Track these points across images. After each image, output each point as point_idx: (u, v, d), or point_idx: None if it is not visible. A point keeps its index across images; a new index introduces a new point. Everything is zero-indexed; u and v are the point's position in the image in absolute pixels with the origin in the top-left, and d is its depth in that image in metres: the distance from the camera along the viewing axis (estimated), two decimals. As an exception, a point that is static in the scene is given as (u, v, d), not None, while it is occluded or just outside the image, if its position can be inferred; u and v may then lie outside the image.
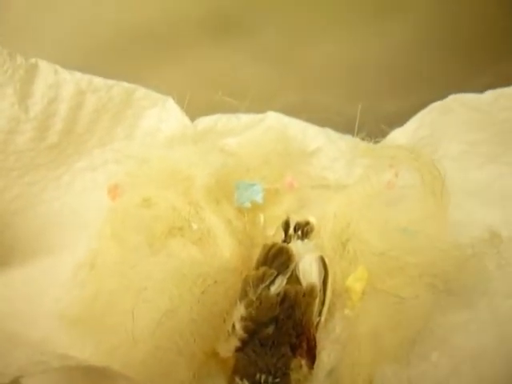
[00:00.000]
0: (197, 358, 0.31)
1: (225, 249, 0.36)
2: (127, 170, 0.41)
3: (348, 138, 0.45)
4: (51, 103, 0.40)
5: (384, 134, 0.44)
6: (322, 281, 0.36)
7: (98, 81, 0.41)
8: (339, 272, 0.37)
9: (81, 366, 0.25)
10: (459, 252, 0.35)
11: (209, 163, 0.39)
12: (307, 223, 0.39)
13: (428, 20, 0.44)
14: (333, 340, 0.35)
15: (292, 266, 0.36)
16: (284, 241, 0.39)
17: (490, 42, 0.44)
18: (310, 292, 0.35)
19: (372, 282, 0.35)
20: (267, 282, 0.34)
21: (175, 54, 0.46)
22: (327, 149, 0.44)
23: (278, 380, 0.31)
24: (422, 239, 0.35)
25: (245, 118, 0.45)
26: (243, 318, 0.33)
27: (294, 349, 0.32)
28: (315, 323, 0.34)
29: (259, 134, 0.44)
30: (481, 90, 0.43)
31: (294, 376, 0.32)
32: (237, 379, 0.31)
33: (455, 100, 0.43)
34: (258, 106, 0.45)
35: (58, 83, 0.40)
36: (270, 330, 0.32)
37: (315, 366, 0.33)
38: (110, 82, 0.42)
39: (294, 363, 0.32)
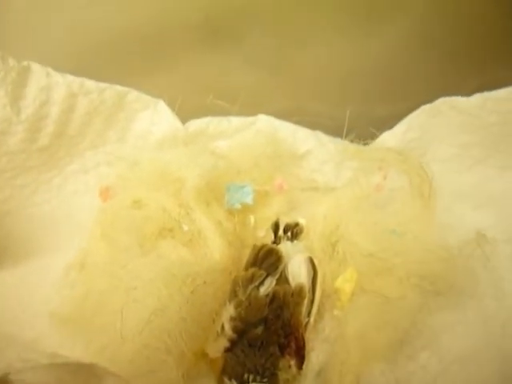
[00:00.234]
0: (186, 358, 0.31)
1: (215, 250, 0.36)
2: (119, 172, 0.41)
3: (337, 140, 0.45)
4: (43, 105, 0.40)
5: (373, 137, 0.45)
6: (311, 281, 0.36)
7: (89, 84, 0.42)
8: (328, 273, 0.37)
9: (69, 364, 0.25)
10: (447, 253, 0.35)
11: (199, 165, 0.39)
12: (296, 225, 0.40)
13: (417, 25, 0.44)
14: (322, 340, 0.35)
15: (281, 267, 0.36)
16: (274, 242, 0.39)
17: (477, 46, 0.45)
18: (299, 292, 0.35)
19: (361, 283, 0.36)
20: (256, 283, 0.34)
21: (167, 58, 0.46)
22: (317, 151, 0.45)
23: (266, 380, 0.31)
24: (409, 241, 0.36)
25: (236, 121, 0.45)
26: (232, 319, 0.33)
27: (283, 348, 0.33)
28: (304, 323, 0.35)
29: (250, 136, 0.44)
30: (469, 93, 0.43)
31: (282, 376, 0.32)
32: (225, 379, 0.32)
33: (444, 103, 0.43)
34: (249, 109, 0.45)
35: (50, 86, 0.40)
36: (259, 330, 0.33)
37: (304, 366, 0.33)
38: (102, 84, 0.42)
39: (282, 363, 0.32)
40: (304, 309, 0.35)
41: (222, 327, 0.33)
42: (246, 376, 0.31)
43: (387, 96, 0.48)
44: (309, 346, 0.34)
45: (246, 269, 0.36)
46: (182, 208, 0.38)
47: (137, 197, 0.39)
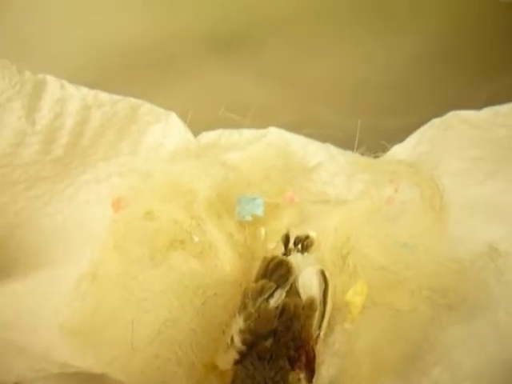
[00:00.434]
0: (196, 369, 0.31)
1: (225, 262, 0.36)
2: (131, 184, 0.42)
3: (348, 153, 0.45)
4: (57, 117, 0.41)
5: (384, 150, 0.45)
6: (322, 294, 0.36)
7: (103, 96, 0.42)
8: (339, 286, 0.37)
9: (80, 374, 0.25)
10: (458, 266, 0.35)
11: (211, 177, 0.39)
12: (307, 237, 0.40)
13: (428, 38, 0.44)
14: (332, 354, 0.35)
15: (291, 279, 0.36)
16: (284, 254, 0.39)
17: (487, 58, 0.45)
18: (310, 305, 0.35)
19: (372, 296, 0.36)
20: (266, 295, 0.34)
21: (179, 70, 0.47)
22: (328, 164, 0.45)
23: (275, 393, 0.31)
24: (421, 253, 0.36)
25: (247, 134, 0.46)
26: (241, 331, 0.33)
27: (293, 362, 0.33)
28: (315, 336, 0.34)
29: (261, 149, 0.45)
30: (479, 105, 0.43)
31: (292, 389, 0.32)
32: (235, 392, 0.31)
33: (455, 116, 0.43)
34: (260, 121, 0.45)
35: (65, 98, 0.41)
36: (269, 343, 0.32)
37: (314, 379, 0.33)
38: (116, 97, 0.43)
39: (292, 377, 0.32)
40: (315, 322, 0.35)
41: (232, 339, 0.33)
42: (255, 389, 0.31)
43: (398, 109, 0.48)
44: (319, 359, 0.34)
45: (256, 281, 0.36)
46: (194, 220, 0.38)
47: (148, 208, 0.39)
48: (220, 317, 0.33)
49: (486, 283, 0.36)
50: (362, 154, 0.44)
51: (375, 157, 0.43)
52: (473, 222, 0.41)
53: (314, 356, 0.33)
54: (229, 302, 0.34)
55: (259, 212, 0.40)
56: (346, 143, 0.45)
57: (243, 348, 0.32)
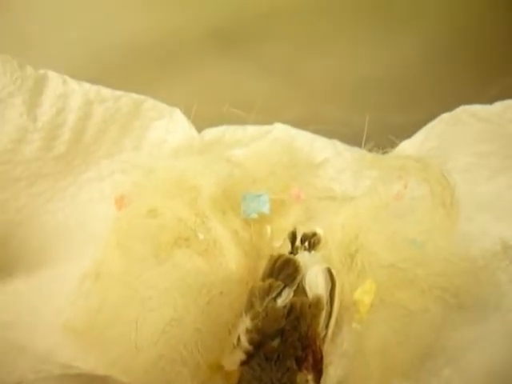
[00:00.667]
0: (201, 370, 0.30)
1: (231, 260, 0.36)
2: (134, 181, 0.41)
3: (355, 149, 0.44)
4: (59, 113, 0.40)
5: (392, 146, 0.44)
6: (329, 293, 0.35)
7: (106, 91, 0.41)
8: (347, 284, 0.36)
9: (82, 375, 0.24)
10: (470, 264, 0.34)
11: (215, 173, 0.38)
12: (314, 235, 0.39)
13: (436, 32, 0.44)
14: (340, 354, 0.34)
15: (299, 278, 0.35)
16: (291, 252, 0.38)
17: (497, 53, 0.44)
18: (317, 304, 0.34)
19: (380, 295, 0.35)
20: (274, 294, 0.34)
21: (183, 66, 0.46)
22: (334, 160, 0.44)
23: (282, 395, 0.30)
24: (431, 251, 0.35)
25: (251, 130, 0.45)
26: (248, 331, 0.32)
27: (300, 362, 0.32)
28: (322, 336, 0.34)
29: (266, 145, 0.44)
30: (489, 101, 0.42)
31: (299, 391, 0.31)
32: (241, 393, 0.31)
33: (464, 111, 0.42)
34: (265, 118, 0.45)
35: (67, 93, 0.40)
36: (276, 343, 0.32)
37: (322, 380, 0.32)
38: (118, 92, 0.42)
39: (299, 378, 0.31)
40: (322, 321, 0.34)
41: (238, 339, 0.32)
42: (262, 391, 0.30)
43: (404, 105, 0.47)
44: (326, 360, 0.33)
45: (263, 279, 0.35)
46: (198, 217, 0.37)
47: (152, 205, 0.38)
48: (226, 316, 0.32)
49: (498, 282, 0.35)
50: (370, 150, 0.43)
51: (383, 153, 0.42)
52: (484, 218, 0.40)
53: (322, 356, 0.33)
54: (235, 300, 0.33)
55: (265, 209, 0.39)
56: (352, 139, 0.45)
57: (250, 348, 0.31)
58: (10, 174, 0.40)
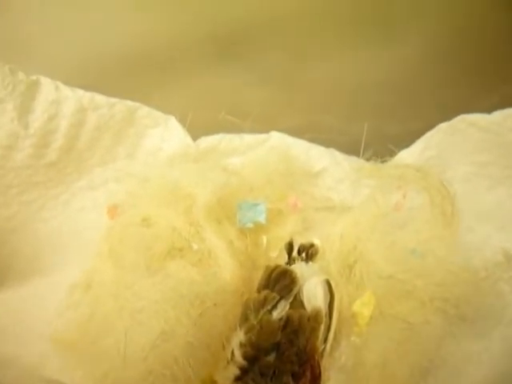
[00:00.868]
0: (193, 385, 0.29)
1: (225, 270, 0.35)
2: (127, 189, 0.40)
3: (353, 158, 0.44)
4: (52, 120, 0.40)
5: (390, 155, 0.43)
6: (327, 305, 0.34)
7: (99, 98, 0.41)
8: (345, 296, 0.35)
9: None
10: (471, 275, 0.33)
11: (210, 182, 0.38)
12: (311, 245, 0.38)
13: (434, 40, 0.43)
14: (339, 369, 0.33)
15: (295, 290, 0.34)
16: (287, 263, 0.37)
17: (497, 62, 0.44)
18: (315, 317, 0.33)
19: (380, 307, 0.34)
20: (269, 307, 0.33)
21: (178, 74, 0.46)
22: (332, 169, 0.44)
23: (278, 413, 0.29)
24: (431, 261, 0.34)
25: (248, 138, 0.44)
26: (242, 345, 0.31)
27: (297, 378, 0.31)
28: (320, 350, 0.33)
29: (262, 153, 0.43)
30: (488, 110, 0.42)
31: (296, 408, 0.30)
32: (235, 410, 0.30)
33: (463, 120, 0.42)
34: (262, 126, 0.44)
35: (59, 100, 0.40)
36: (271, 357, 0.31)
37: (320, 397, 0.31)
38: (113, 99, 0.41)
39: (296, 394, 0.30)
40: (321, 334, 0.33)
41: (232, 353, 0.31)
42: (257, 408, 0.29)
43: (402, 114, 0.47)
44: (325, 375, 0.32)
45: (259, 291, 0.34)
46: (193, 226, 0.36)
47: (146, 214, 0.38)
48: (219, 329, 0.31)
49: (500, 293, 0.34)
50: (368, 160, 0.42)
51: (382, 162, 0.42)
52: (484, 228, 0.39)
53: (320, 372, 0.32)
54: (229, 312, 0.32)
55: (261, 219, 0.39)
56: (350, 148, 0.44)
57: (244, 363, 0.30)
58: (1, 180, 0.40)
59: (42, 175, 0.41)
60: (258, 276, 0.35)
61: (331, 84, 0.47)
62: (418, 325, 0.32)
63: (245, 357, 0.30)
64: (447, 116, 0.43)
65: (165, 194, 0.38)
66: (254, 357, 0.30)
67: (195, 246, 0.36)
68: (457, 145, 0.43)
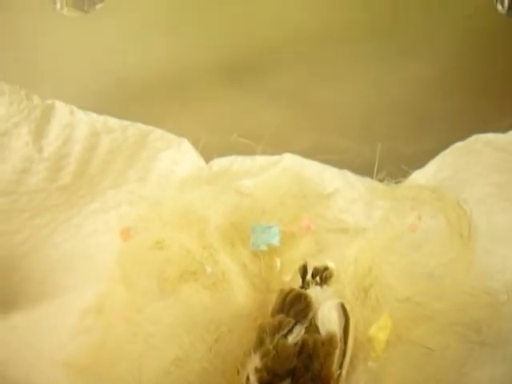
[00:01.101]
0: (208, 413, 0.28)
1: (239, 294, 0.34)
2: (140, 212, 0.40)
3: (367, 180, 0.43)
4: (65, 143, 0.40)
5: (404, 176, 0.43)
6: (342, 330, 0.34)
7: (113, 122, 0.41)
8: (361, 320, 0.34)
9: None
10: (491, 298, 0.32)
11: (223, 204, 0.38)
12: (326, 268, 0.37)
13: (448, 60, 0.43)
14: (355, 395, 0.32)
15: (311, 314, 0.34)
16: (302, 287, 0.36)
17: (504, 83, 0.44)
18: (330, 341, 0.32)
19: (397, 331, 0.33)
20: (284, 331, 0.32)
21: (190, 96, 0.46)
22: (345, 191, 0.43)
23: None
24: (449, 284, 0.33)
25: (260, 160, 0.44)
26: (258, 370, 0.30)
27: (313, 404, 0.30)
28: (336, 376, 0.32)
29: (275, 175, 0.43)
30: (503, 130, 0.42)
31: None
32: None
33: (478, 140, 0.42)
34: (274, 148, 0.44)
35: (73, 123, 0.40)
36: (287, 383, 0.30)
37: (336, 424, 0.30)
38: (125, 123, 0.42)
39: (312, 421, 0.30)
40: (336, 359, 0.32)
41: (248, 379, 0.30)
42: None
43: (415, 134, 0.47)
44: (341, 401, 0.31)
45: (273, 315, 0.33)
46: (206, 249, 0.36)
47: (159, 237, 0.37)
48: (234, 354, 0.31)
49: (521, 317, 0.33)
50: (381, 181, 0.42)
51: (396, 183, 0.41)
52: (503, 250, 0.38)
53: (336, 398, 0.31)
54: (243, 337, 0.32)
55: (275, 241, 0.38)
56: (363, 169, 0.44)
57: (260, 388, 0.30)
58: (14, 205, 0.39)
59: (55, 198, 0.41)
60: (272, 299, 0.35)
61: (343, 105, 0.47)
62: (437, 350, 0.31)
63: (260, 382, 0.30)
64: (461, 136, 0.43)
65: (178, 216, 0.38)
66: (269, 382, 0.30)
67: (209, 269, 0.36)
68: (472, 165, 0.43)
